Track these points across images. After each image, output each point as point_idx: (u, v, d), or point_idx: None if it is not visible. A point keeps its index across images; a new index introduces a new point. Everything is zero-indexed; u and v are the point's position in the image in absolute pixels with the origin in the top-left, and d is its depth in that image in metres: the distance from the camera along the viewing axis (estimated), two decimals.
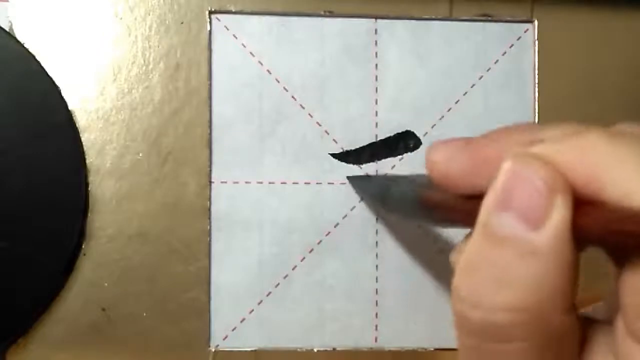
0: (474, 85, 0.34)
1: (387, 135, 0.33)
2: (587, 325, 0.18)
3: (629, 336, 0.17)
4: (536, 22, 0.34)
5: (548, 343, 0.17)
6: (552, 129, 0.18)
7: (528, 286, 0.16)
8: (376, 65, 0.33)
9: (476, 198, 0.18)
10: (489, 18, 0.34)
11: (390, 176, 0.32)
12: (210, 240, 0.32)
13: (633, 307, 0.16)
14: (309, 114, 0.33)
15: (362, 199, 0.33)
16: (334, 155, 0.33)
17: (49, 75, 0.31)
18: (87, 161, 0.32)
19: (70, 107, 0.32)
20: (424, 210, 0.23)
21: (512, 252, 0.17)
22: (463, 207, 0.19)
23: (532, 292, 0.16)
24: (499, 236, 0.17)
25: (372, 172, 0.33)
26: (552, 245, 0.16)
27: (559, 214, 0.16)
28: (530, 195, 0.17)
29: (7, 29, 0.31)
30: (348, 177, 0.33)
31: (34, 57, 0.31)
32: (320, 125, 0.33)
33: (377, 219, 0.33)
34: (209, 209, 0.32)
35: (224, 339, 0.32)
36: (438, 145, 0.20)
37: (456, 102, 0.34)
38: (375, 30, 0.33)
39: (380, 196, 0.30)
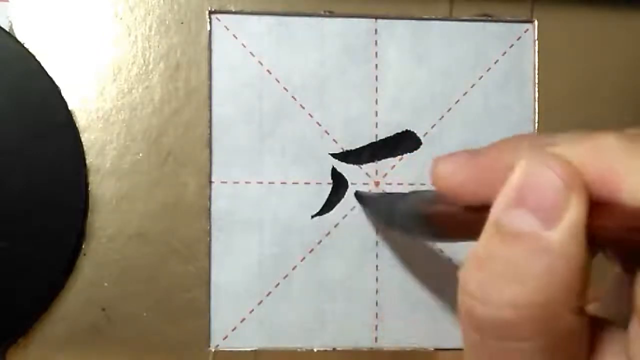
0: (474, 85, 0.34)
1: (387, 135, 0.33)
2: (598, 326, 0.18)
3: None
4: (536, 22, 0.34)
5: (556, 342, 0.17)
6: (563, 134, 0.18)
7: (538, 283, 0.16)
8: (376, 65, 0.33)
9: (483, 209, 0.18)
10: (489, 18, 0.34)
11: (397, 194, 0.32)
12: (210, 240, 0.32)
13: None
14: (309, 114, 0.33)
15: (366, 215, 0.33)
16: (334, 155, 0.33)
17: (49, 75, 0.31)
18: (87, 161, 0.32)
19: (70, 107, 0.32)
20: (428, 226, 0.23)
21: (524, 249, 0.17)
22: (469, 218, 0.19)
23: (542, 290, 0.16)
24: (512, 232, 0.17)
25: (372, 172, 0.33)
26: (565, 243, 0.16)
27: (574, 212, 0.16)
28: (545, 193, 0.17)
29: (7, 29, 0.31)
30: (355, 194, 0.33)
31: (34, 57, 0.31)
32: (320, 125, 0.33)
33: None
34: (209, 209, 0.32)
35: (224, 339, 0.32)
36: (443, 158, 0.20)
37: (456, 102, 0.34)
38: (375, 30, 0.33)
39: (387, 214, 0.30)
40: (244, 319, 0.32)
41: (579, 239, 0.16)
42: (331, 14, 0.33)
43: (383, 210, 0.31)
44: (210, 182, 0.32)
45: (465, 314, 0.18)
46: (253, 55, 0.33)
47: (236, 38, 0.33)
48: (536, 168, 0.17)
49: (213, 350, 0.32)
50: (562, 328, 0.17)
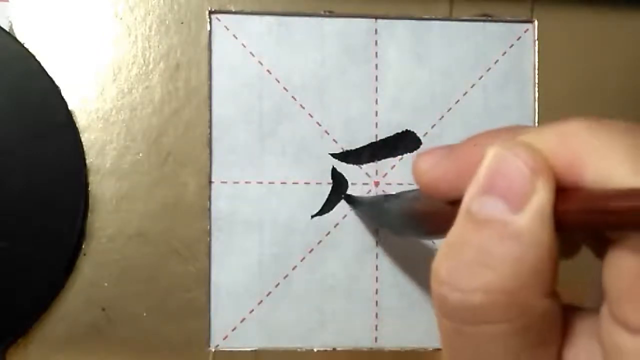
0: (474, 85, 0.34)
1: (387, 135, 0.33)
2: (571, 313, 0.18)
3: (613, 321, 0.17)
4: (536, 22, 0.34)
5: (527, 326, 0.17)
6: (533, 127, 0.19)
7: (507, 268, 0.17)
8: (376, 65, 0.33)
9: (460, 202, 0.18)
10: (489, 18, 0.34)
11: (385, 195, 0.32)
12: (210, 240, 0.32)
13: (616, 291, 0.17)
14: (309, 114, 0.33)
15: (358, 217, 0.33)
16: (334, 155, 0.33)
17: (49, 75, 0.31)
18: (87, 161, 0.32)
19: (70, 107, 0.32)
20: (413, 223, 0.23)
21: (493, 234, 0.17)
22: (449, 212, 0.19)
23: (511, 274, 0.17)
24: (480, 218, 0.17)
25: (372, 172, 0.33)
26: (532, 228, 0.17)
27: (541, 197, 0.17)
28: (512, 178, 0.17)
29: (7, 29, 0.31)
30: (345, 198, 0.33)
31: (34, 57, 0.31)
32: (320, 125, 0.33)
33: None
34: (209, 209, 0.32)
35: (224, 339, 0.32)
36: (422, 155, 0.21)
37: (456, 102, 0.34)
38: (375, 30, 0.33)
39: (377, 215, 0.30)
40: (244, 319, 0.32)
41: (546, 223, 0.17)
42: (331, 14, 0.33)
43: (373, 212, 0.31)
44: (210, 182, 0.32)
45: (437, 301, 0.18)
46: (253, 55, 0.33)
47: (236, 38, 0.33)
48: (504, 155, 0.17)
49: (213, 350, 0.32)
50: (533, 312, 0.17)
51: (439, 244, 0.33)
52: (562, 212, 0.17)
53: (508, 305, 0.17)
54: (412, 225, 0.24)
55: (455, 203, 0.19)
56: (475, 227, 0.17)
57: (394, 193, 0.28)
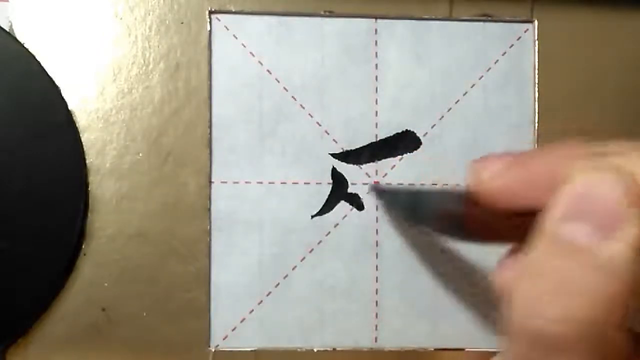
0: (474, 85, 0.34)
1: (387, 135, 0.33)
2: (636, 340, 0.18)
3: None
4: (536, 22, 0.34)
5: (604, 358, 0.17)
6: (616, 144, 0.18)
7: (592, 298, 0.16)
8: (376, 65, 0.33)
9: (525, 214, 0.18)
10: (489, 18, 0.34)
11: (420, 190, 0.31)
12: (210, 240, 0.32)
13: None
14: (309, 114, 0.33)
15: (384, 210, 0.32)
16: (334, 155, 0.33)
17: (49, 75, 0.31)
18: (87, 161, 0.32)
19: (70, 107, 0.32)
20: (459, 226, 0.23)
21: (580, 263, 0.16)
22: (507, 223, 0.18)
23: (595, 305, 0.16)
24: (568, 245, 0.17)
25: (372, 172, 0.33)
26: (622, 259, 0.16)
27: (634, 226, 0.16)
28: (604, 206, 0.16)
29: (7, 29, 0.31)
30: (372, 187, 0.33)
31: (34, 57, 0.31)
32: (320, 125, 0.33)
33: (377, 219, 0.33)
34: (209, 209, 0.32)
35: (224, 339, 0.32)
36: (484, 162, 0.20)
37: (456, 102, 0.34)
38: (375, 30, 0.33)
39: (410, 209, 0.29)
40: (244, 319, 0.32)
41: (636, 254, 0.16)
42: (331, 14, 0.33)
43: (404, 206, 0.30)
44: (210, 182, 0.32)
45: (512, 326, 0.17)
46: (253, 55, 0.33)
47: (236, 38, 0.33)
48: (596, 179, 0.16)
49: (213, 350, 0.32)
50: (609, 344, 0.16)
51: (441, 245, 0.33)
52: None
53: (586, 336, 0.16)
54: (454, 228, 0.23)
55: (514, 215, 0.18)
56: (560, 253, 0.17)
57: (430, 189, 0.27)
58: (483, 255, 0.33)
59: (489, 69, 0.34)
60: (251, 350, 0.32)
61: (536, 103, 0.34)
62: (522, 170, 0.19)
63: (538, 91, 0.34)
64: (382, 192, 0.32)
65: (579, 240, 0.16)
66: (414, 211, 0.29)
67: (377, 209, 0.33)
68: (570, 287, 0.16)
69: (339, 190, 0.33)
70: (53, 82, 0.31)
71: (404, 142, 0.33)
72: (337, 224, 0.33)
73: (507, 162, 0.20)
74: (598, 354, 0.16)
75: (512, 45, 0.34)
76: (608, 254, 0.16)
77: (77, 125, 0.32)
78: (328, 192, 0.33)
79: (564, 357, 0.17)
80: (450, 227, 0.24)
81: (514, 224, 0.18)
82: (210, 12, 0.33)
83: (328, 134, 0.33)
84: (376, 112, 0.33)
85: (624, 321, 0.16)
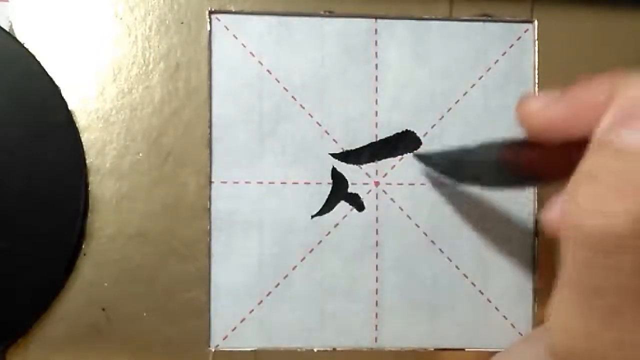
0: (474, 85, 0.34)
1: (387, 135, 0.33)
2: None
3: None
4: (536, 22, 0.34)
5: None
6: None
7: None
8: (376, 65, 0.33)
9: (576, 144, 0.18)
10: (489, 18, 0.34)
11: (461, 148, 0.31)
12: (210, 240, 0.32)
13: None
14: (309, 114, 0.33)
15: (428, 175, 0.33)
16: (334, 155, 0.33)
17: (49, 75, 0.31)
18: (87, 161, 0.32)
19: (70, 107, 0.32)
20: (512, 172, 0.23)
21: (637, 161, 0.17)
22: (562, 155, 0.19)
23: None
24: (624, 146, 0.17)
25: (372, 172, 0.33)
26: None
27: None
28: None
29: (7, 29, 0.31)
30: (414, 155, 0.33)
31: (34, 57, 0.31)
32: (320, 125, 0.33)
33: (377, 219, 0.33)
34: (209, 209, 0.32)
35: (224, 339, 0.32)
36: (531, 98, 0.20)
37: (456, 102, 0.34)
38: (375, 30, 0.33)
39: (454, 169, 0.29)
40: (244, 319, 0.32)
41: None
42: (331, 14, 0.33)
43: (449, 168, 0.30)
44: (210, 182, 0.32)
45: (573, 230, 0.17)
46: (253, 55, 0.33)
47: (236, 38, 0.33)
48: None
49: (213, 350, 0.32)
50: None
51: (440, 245, 0.33)
52: None
53: None
54: (512, 177, 0.23)
55: (571, 145, 0.18)
56: (615, 155, 0.17)
57: (471, 145, 0.28)
58: (483, 255, 0.33)
59: (489, 69, 0.34)
60: (251, 350, 0.32)
61: None
62: (570, 101, 0.20)
63: (538, 91, 0.34)
64: (423, 157, 0.32)
65: (633, 143, 0.17)
66: (458, 170, 0.29)
67: (376, 209, 0.33)
68: (629, 184, 0.17)
69: (339, 190, 0.33)
70: (53, 82, 0.31)
71: (404, 142, 0.33)
72: (337, 224, 0.33)
73: (554, 96, 0.20)
74: None
75: (512, 45, 0.34)
76: None
77: (77, 125, 0.32)
78: (328, 192, 0.33)
79: (627, 255, 0.17)
80: (507, 176, 0.24)
81: (562, 159, 0.18)
82: (210, 12, 0.33)
83: (328, 134, 0.33)
84: (376, 112, 0.33)
85: None
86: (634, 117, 0.17)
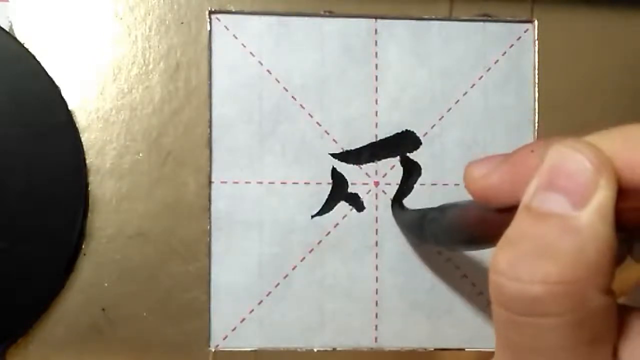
0: (474, 85, 0.34)
1: (387, 135, 0.33)
2: (626, 312, 0.19)
3: None
4: (536, 22, 0.34)
5: (583, 320, 0.17)
6: (597, 133, 0.19)
7: (567, 260, 0.17)
8: (376, 65, 0.33)
9: (516, 208, 0.18)
10: (489, 18, 0.34)
11: (426, 209, 0.32)
12: (210, 240, 0.32)
13: None
14: (309, 114, 0.33)
15: (402, 230, 0.33)
16: (334, 155, 0.33)
17: (49, 75, 0.31)
18: (87, 161, 0.32)
19: (70, 107, 0.32)
20: (462, 233, 0.24)
21: (553, 227, 0.17)
22: (504, 219, 0.19)
23: (571, 266, 0.17)
24: (543, 212, 0.18)
25: (371, 172, 0.33)
26: (594, 223, 0.17)
27: (603, 195, 0.17)
28: (575, 175, 0.17)
29: (7, 29, 0.31)
30: (392, 207, 0.33)
31: (34, 57, 0.31)
32: (320, 125, 0.33)
33: (377, 219, 0.33)
34: (209, 209, 0.32)
35: (224, 339, 0.32)
36: (475, 163, 0.21)
37: (456, 102, 0.34)
38: (375, 30, 0.33)
39: (418, 226, 0.30)
40: (244, 319, 0.32)
41: (607, 219, 0.17)
42: (331, 14, 0.33)
43: (414, 225, 0.31)
44: (210, 182, 0.32)
45: (494, 291, 0.18)
46: (253, 55, 0.33)
47: (236, 38, 0.33)
48: (567, 152, 0.18)
49: (213, 350, 0.32)
50: (590, 306, 0.17)
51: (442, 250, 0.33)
52: (623, 211, 0.17)
53: (566, 298, 0.17)
54: (460, 237, 0.24)
55: (509, 210, 0.19)
56: (536, 220, 0.18)
57: (435, 207, 0.28)
58: (483, 255, 0.33)
59: (489, 69, 0.34)
60: (251, 350, 0.32)
61: (536, 103, 0.34)
62: (510, 166, 0.20)
63: (538, 91, 0.34)
64: (396, 211, 0.33)
65: (552, 208, 0.17)
66: (421, 227, 0.29)
67: (376, 209, 0.33)
68: (546, 250, 0.17)
69: (339, 190, 0.33)
70: (53, 82, 0.31)
71: (404, 142, 0.33)
72: (337, 224, 0.33)
73: (496, 161, 0.21)
74: (578, 315, 0.17)
75: (512, 45, 0.34)
76: (581, 220, 0.17)
77: (77, 125, 0.32)
78: (328, 192, 0.33)
79: (546, 320, 0.17)
80: (458, 237, 0.24)
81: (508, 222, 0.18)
82: (210, 12, 0.33)
83: (328, 134, 0.33)
84: (376, 112, 0.33)
85: (603, 284, 0.17)
86: (552, 183, 0.18)
